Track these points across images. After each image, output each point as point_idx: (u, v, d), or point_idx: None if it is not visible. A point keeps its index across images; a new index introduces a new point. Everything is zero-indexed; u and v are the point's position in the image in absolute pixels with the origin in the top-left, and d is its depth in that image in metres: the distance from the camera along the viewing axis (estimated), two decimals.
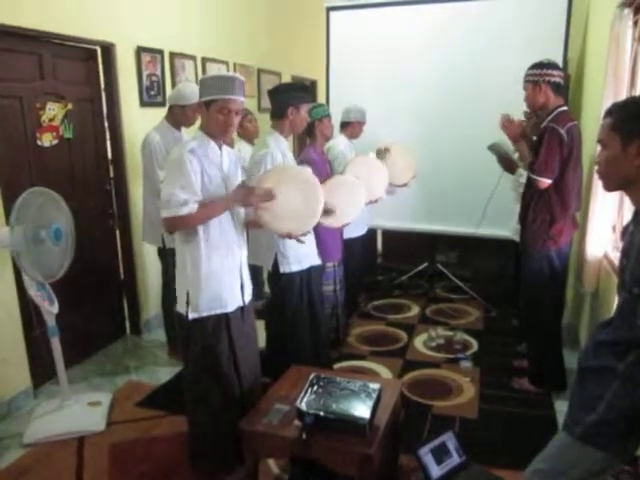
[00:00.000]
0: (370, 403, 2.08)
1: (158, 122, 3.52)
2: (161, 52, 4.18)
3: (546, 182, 2.89)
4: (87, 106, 3.71)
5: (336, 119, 3.88)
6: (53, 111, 3.38)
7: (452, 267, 5.12)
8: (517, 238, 3.64)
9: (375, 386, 2.19)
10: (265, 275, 3.82)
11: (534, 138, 3.12)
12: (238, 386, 2.39)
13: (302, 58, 6.81)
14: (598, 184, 3.17)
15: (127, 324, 4.20)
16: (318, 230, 3.12)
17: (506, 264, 4.41)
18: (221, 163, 2.30)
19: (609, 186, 1.59)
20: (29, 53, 3.23)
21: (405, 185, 3.93)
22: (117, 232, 4.06)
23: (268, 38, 5.97)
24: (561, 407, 2.99)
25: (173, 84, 4.30)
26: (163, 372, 3.59)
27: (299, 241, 2.53)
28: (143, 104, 4.04)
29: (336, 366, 3.52)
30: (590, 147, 3.41)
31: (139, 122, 3.92)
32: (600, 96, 3.22)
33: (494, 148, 3.41)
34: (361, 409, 2.05)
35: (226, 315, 2.33)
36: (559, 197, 2.92)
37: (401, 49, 4.56)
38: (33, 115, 3.26)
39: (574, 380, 1.64)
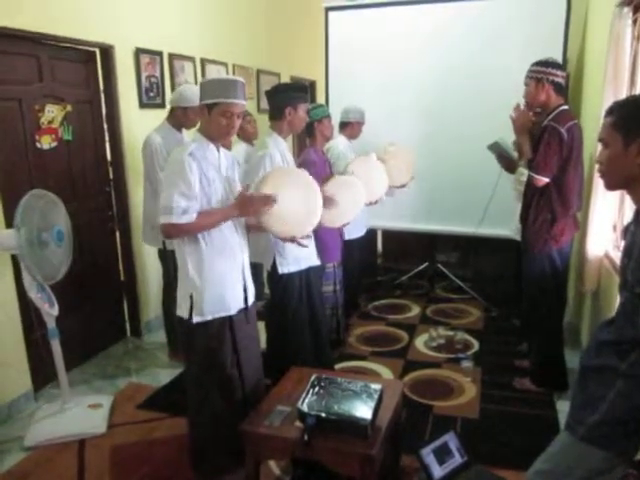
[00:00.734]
0: (372, 404, 2.07)
1: (157, 123, 3.53)
2: (160, 53, 4.18)
3: (543, 180, 2.88)
4: (86, 108, 3.71)
5: (335, 119, 3.88)
6: (52, 113, 3.38)
7: (452, 267, 5.12)
8: (518, 237, 3.64)
9: (377, 387, 2.18)
10: (265, 276, 3.82)
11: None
12: (241, 388, 2.39)
13: (301, 59, 6.81)
14: (599, 183, 3.17)
15: (127, 326, 4.19)
16: (318, 231, 3.11)
17: (507, 264, 4.41)
18: (219, 166, 2.30)
19: (611, 185, 1.59)
20: (28, 55, 3.23)
21: (404, 186, 3.93)
22: (117, 234, 4.05)
23: (267, 39, 5.97)
24: (563, 407, 2.99)
25: (172, 85, 4.30)
26: (164, 374, 3.59)
27: (301, 245, 2.53)
28: (142, 105, 4.04)
29: (337, 367, 3.51)
30: (590, 146, 3.40)
31: (138, 123, 3.92)
32: (600, 95, 3.22)
33: (494, 147, 3.41)
34: (363, 410, 2.04)
35: (230, 318, 2.32)
36: (560, 196, 2.91)
37: (400, 49, 4.56)
38: (32, 117, 3.26)
39: (576, 380, 1.63)
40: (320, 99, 6.73)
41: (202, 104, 2.21)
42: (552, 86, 2.91)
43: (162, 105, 4.17)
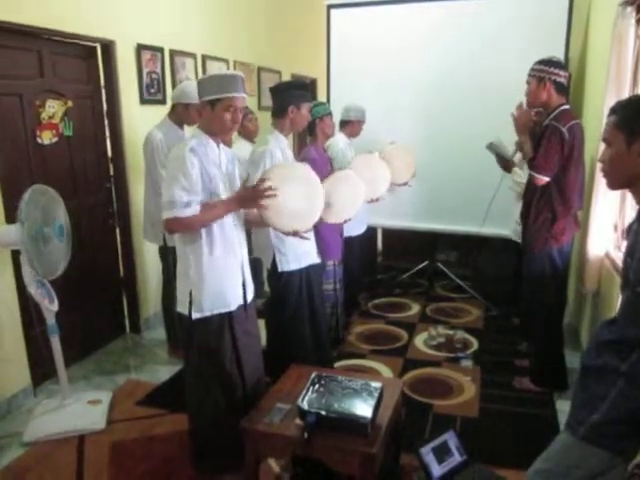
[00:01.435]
0: (372, 402, 2.07)
1: (158, 120, 3.52)
2: (161, 50, 4.17)
3: (543, 179, 2.88)
4: (87, 104, 3.70)
5: (336, 117, 3.87)
6: (53, 109, 3.37)
7: (452, 266, 5.12)
8: (516, 238, 3.65)
9: (377, 385, 2.18)
10: (265, 274, 3.81)
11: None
12: (241, 385, 2.39)
13: (302, 56, 6.79)
14: (600, 182, 3.17)
15: (127, 322, 4.19)
16: (319, 229, 3.11)
17: (507, 263, 4.40)
18: (220, 162, 2.30)
19: (613, 184, 1.59)
20: (29, 50, 3.22)
21: (406, 184, 3.93)
22: (117, 230, 4.05)
23: (268, 36, 5.95)
24: (562, 407, 2.99)
25: (173, 82, 4.29)
26: (163, 371, 3.58)
27: (303, 238, 2.52)
28: (143, 102, 4.03)
29: (336, 365, 3.51)
30: (592, 146, 3.40)
31: (139, 120, 3.91)
32: (602, 95, 3.21)
33: (491, 147, 3.41)
34: (363, 408, 2.04)
35: (229, 314, 2.32)
36: (561, 196, 2.91)
37: (402, 47, 4.55)
38: (33, 113, 3.25)
39: (577, 380, 1.63)
40: (321, 97, 6.73)
41: (204, 101, 2.20)
42: (553, 85, 2.91)
43: (163, 101, 4.16)
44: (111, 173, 3.96)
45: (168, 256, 3.42)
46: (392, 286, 5.06)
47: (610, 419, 1.46)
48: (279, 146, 2.82)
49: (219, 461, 2.41)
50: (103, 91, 3.82)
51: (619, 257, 3.03)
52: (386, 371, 3.52)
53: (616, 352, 1.49)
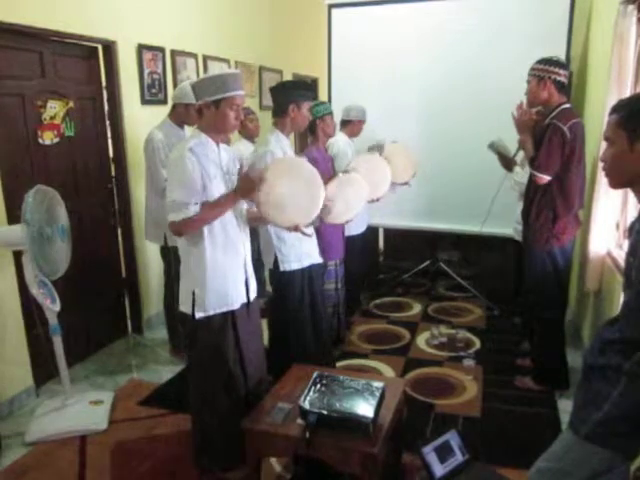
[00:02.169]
0: (374, 402, 2.07)
1: (159, 120, 3.52)
2: (162, 50, 4.17)
3: (545, 178, 2.88)
4: (88, 104, 3.70)
5: (337, 117, 3.87)
6: (54, 109, 3.38)
7: (454, 265, 5.11)
8: (518, 238, 3.64)
9: (379, 385, 2.18)
10: (267, 273, 3.81)
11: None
12: (244, 385, 2.39)
13: (303, 56, 6.79)
14: (601, 181, 3.16)
15: (129, 322, 4.19)
16: (321, 229, 3.12)
17: (508, 262, 4.40)
18: (220, 161, 2.30)
19: (615, 183, 1.58)
20: (30, 51, 3.23)
21: (406, 183, 3.92)
22: (119, 230, 4.05)
23: (269, 36, 5.95)
24: (564, 406, 2.99)
25: (174, 82, 4.29)
26: (165, 370, 3.59)
27: (305, 234, 2.51)
28: (144, 102, 4.03)
29: (338, 364, 3.51)
30: (593, 144, 3.39)
31: (140, 120, 3.91)
32: (604, 93, 3.21)
33: (493, 147, 3.41)
34: (365, 408, 2.04)
35: (232, 313, 2.33)
36: (562, 194, 2.91)
37: (403, 47, 4.55)
38: (34, 113, 3.25)
39: (579, 379, 1.63)
40: (322, 96, 6.72)
41: (207, 101, 2.20)
42: (554, 84, 2.90)
43: (164, 102, 4.17)
44: (112, 173, 3.97)
45: (169, 256, 3.43)
46: (394, 286, 5.06)
47: (613, 418, 1.46)
48: (280, 146, 2.82)
49: (221, 460, 2.42)
50: (104, 91, 3.82)
51: (621, 256, 3.02)
52: (388, 371, 3.52)
53: (619, 351, 1.49)
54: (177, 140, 3.28)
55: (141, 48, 3.94)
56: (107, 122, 3.89)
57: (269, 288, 3.23)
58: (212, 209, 2.19)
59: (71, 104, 3.50)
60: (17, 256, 2.93)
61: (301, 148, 5.99)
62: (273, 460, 2.61)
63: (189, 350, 2.41)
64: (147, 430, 2.92)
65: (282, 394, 2.33)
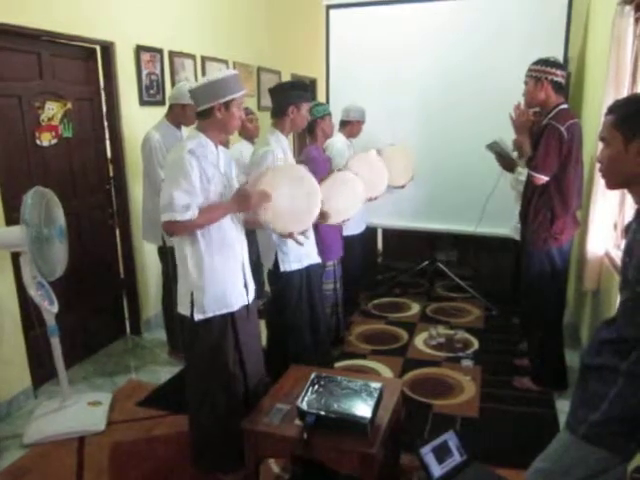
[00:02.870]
0: (371, 402, 2.07)
1: (157, 121, 3.51)
2: (160, 51, 4.18)
3: (543, 179, 2.88)
4: (86, 105, 3.70)
5: (336, 118, 3.87)
6: (52, 110, 3.38)
7: (452, 266, 5.12)
8: (517, 237, 3.64)
9: (376, 385, 2.18)
10: (265, 274, 3.81)
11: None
12: (243, 386, 2.39)
13: (302, 56, 6.80)
14: (599, 182, 3.17)
15: (127, 323, 4.19)
16: (319, 229, 3.12)
17: (506, 262, 4.40)
18: (218, 163, 2.30)
19: (611, 184, 1.58)
20: (28, 52, 3.22)
21: (402, 187, 3.93)
22: (117, 231, 4.05)
23: (268, 36, 5.95)
24: (562, 406, 2.99)
25: (172, 83, 4.29)
26: (163, 372, 3.59)
27: (298, 243, 2.54)
28: (142, 103, 4.03)
29: (337, 365, 3.51)
30: (591, 145, 3.40)
31: (138, 121, 3.91)
32: (601, 94, 3.21)
33: (492, 147, 3.41)
34: (362, 408, 2.04)
35: (232, 315, 2.33)
36: (560, 195, 2.91)
37: (401, 47, 4.55)
38: (32, 114, 3.25)
39: (577, 379, 1.63)
40: (321, 97, 6.73)
41: (219, 103, 2.20)
42: (551, 85, 2.90)
43: (162, 103, 4.17)
44: (111, 174, 3.97)
45: (167, 256, 3.42)
46: (392, 286, 5.06)
47: (610, 418, 1.46)
48: (280, 146, 2.83)
49: (219, 461, 2.42)
50: (102, 92, 3.82)
51: (619, 256, 3.02)
52: (386, 371, 3.52)
53: (616, 351, 1.49)
54: (174, 141, 3.28)
55: (139, 49, 3.94)
56: (105, 123, 3.89)
57: (267, 289, 3.23)
58: (208, 214, 2.20)
59: (69, 105, 3.50)
60: (15, 257, 2.92)
61: (300, 148, 5.99)
62: (271, 461, 2.61)
63: (187, 351, 2.41)
64: (145, 431, 2.92)
65: (280, 395, 2.33)
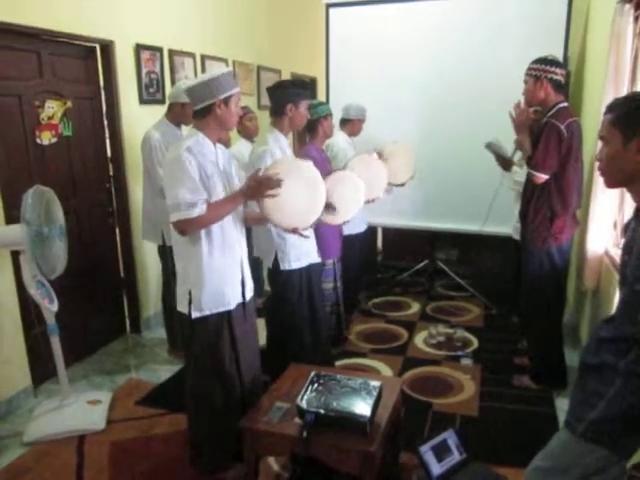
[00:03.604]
0: (371, 401, 2.07)
1: (157, 120, 3.52)
2: (160, 49, 4.17)
3: (542, 177, 2.88)
4: (86, 104, 3.70)
5: (336, 117, 3.87)
6: (52, 109, 3.38)
7: (452, 265, 5.12)
8: (517, 237, 3.64)
9: (376, 384, 2.18)
10: (265, 273, 3.80)
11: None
12: (239, 384, 2.39)
13: (302, 55, 6.79)
14: (599, 180, 3.16)
15: (127, 322, 4.19)
16: (319, 228, 3.11)
17: (506, 261, 4.40)
18: (217, 160, 2.31)
19: (610, 182, 1.58)
20: (28, 51, 3.22)
21: (402, 185, 3.93)
22: (117, 230, 4.05)
23: (267, 35, 5.95)
24: (562, 404, 2.99)
25: (172, 81, 4.29)
26: (163, 370, 3.59)
27: (303, 236, 2.52)
28: (142, 102, 4.03)
29: (337, 364, 3.51)
30: (591, 144, 3.40)
31: (138, 120, 3.91)
32: (601, 92, 3.21)
33: (490, 147, 3.41)
34: (362, 407, 2.05)
35: (229, 313, 2.33)
36: (560, 194, 2.91)
37: (401, 46, 4.55)
38: (32, 113, 3.25)
39: (576, 378, 1.63)
40: (320, 96, 6.72)
41: (219, 100, 2.20)
42: (551, 83, 2.90)
43: (162, 101, 4.16)
44: (110, 173, 3.97)
45: (167, 255, 3.42)
46: (392, 285, 5.06)
47: (608, 416, 1.46)
48: (279, 145, 2.83)
49: (218, 460, 2.42)
50: (102, 91, 3.82)
51: (618, 255, 3.01)
52: (386, 370, 3.52)
53: (614, 350, 1.49)
54: (174, 140, 3.28)
55: (139, 48, 3.94)
56: (105, 122, 3.89)
57: (267, 287, 3.23)
58: (218, 209, 2.19)
59: (69, 104, 3.50)
60: (15, 256, 2.92)
61: (299, 147, 5.98)
62: (271, 459, 2.61)
63: (186, 349, 2.41)
64: (145, 430, 2.92)
65: (280, 393, 2.34)
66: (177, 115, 3.45)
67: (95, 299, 3.85)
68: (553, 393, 3.14)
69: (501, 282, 4.52)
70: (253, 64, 5.67)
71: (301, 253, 2.91)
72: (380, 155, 3.57)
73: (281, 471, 2.57)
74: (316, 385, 2.18)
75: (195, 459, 2.47)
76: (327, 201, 2.57)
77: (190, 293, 2.26)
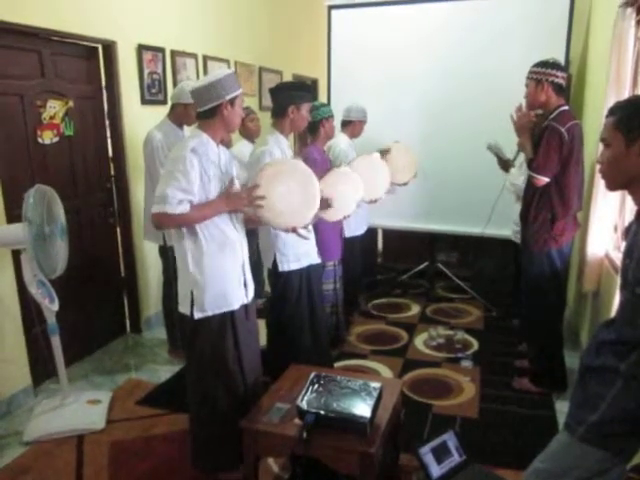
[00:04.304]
0: (371, 402, 2.07)
1: (159, 120, 3.52)
2: (162, 50, 4.18)
3: (543, 180, 2.88)
4: (88, 104, 3.71)
5: (337, 118, 3.87)
6: (54, 109, 3.38)
7: (452, 266, 5.12)
8: (515, 239, 3.65)
9: (376, 385, 2.18)
10: (265, 274, 3.80)
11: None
12: (242, 384, 2.40)
13: (303, 57, 6.80)
14: (599, 183, 3.17)
15: (127, 322, 4.20)
16: (319, 229, 3.12)
17: (506, 263, 4.41)
18: (219, 162, 2.31)
19: (612, 185, 1.59)
20: (30, 51, 3.23)
21: (405, 184, 3.93)
22: (118, 230, 4.05)
23: (269, 36, 5.96)
24: (562, 407, 2.99)
25: (174, 82, 4.29)
26: (163, 370, 3.59)
27: (302, 237, 2.52)
28: (144, 102, 4.04)
29: (337, 365, 3.52)
30: (592, 146, 3.40)
31: (140, 120, 3.92)
32: (602, 96, 3.22)
33: (491, 148, 3.42)
34: (362, 408, 2.05)
35: (231, 313, 2.33)
36: (560, 196, 2.91)
37: (403, 48, 4.56)
38: (34, 113, 3.26)
39: (576, 380, 1.63)
40: (322, 97, 6.73)
41: (226, 101, 2.21)
42: (552, 87, 2.91)
43: (164, 102, 4.17)
44: (112, 173, 3.97)
45: (168, 255, 3.43)
46: (392, 287, 5.06)
47: (609, 419, 1.46)
48: (279, 146, 2.82)
49: (218, 459, 2.42)
50: (104, 91, 3.82)
51: (619, 258, 3.03)
52: (386, 371, 3.52)
53: (615, 352, 1.49)
54: (176, 140, 3.28)
55: (141, 48, 3.94)
56: (107, 122, 3.90)
57: (267, 289, 3.24)
58: (198, 212, 2.19)
59: (71, 104, 3.50)
60: (16, 255, 2.93)
61: (301, 149, 5.99)
62: (271, 460, 2.61)
63: (187, 350, 2.41)
64: (145, 430, 2.92)
65: (280, 394, 2.34)
66: (180, 116, 3.45)
67: (95, 298, 3.85)
68: (553, 396, 3.14)
69: (501, 284, 4.53)
70: (255, 65, 5.68)
71: (300, 254, 2.91)
72: (386, 152, 3.57)
73: (281, 472, 2.57)
74: (316, 386, 2.18)
75: (197, 459, 2.47)
76: (322, 197, 2.57)
77: (192, 294, 2.26)
